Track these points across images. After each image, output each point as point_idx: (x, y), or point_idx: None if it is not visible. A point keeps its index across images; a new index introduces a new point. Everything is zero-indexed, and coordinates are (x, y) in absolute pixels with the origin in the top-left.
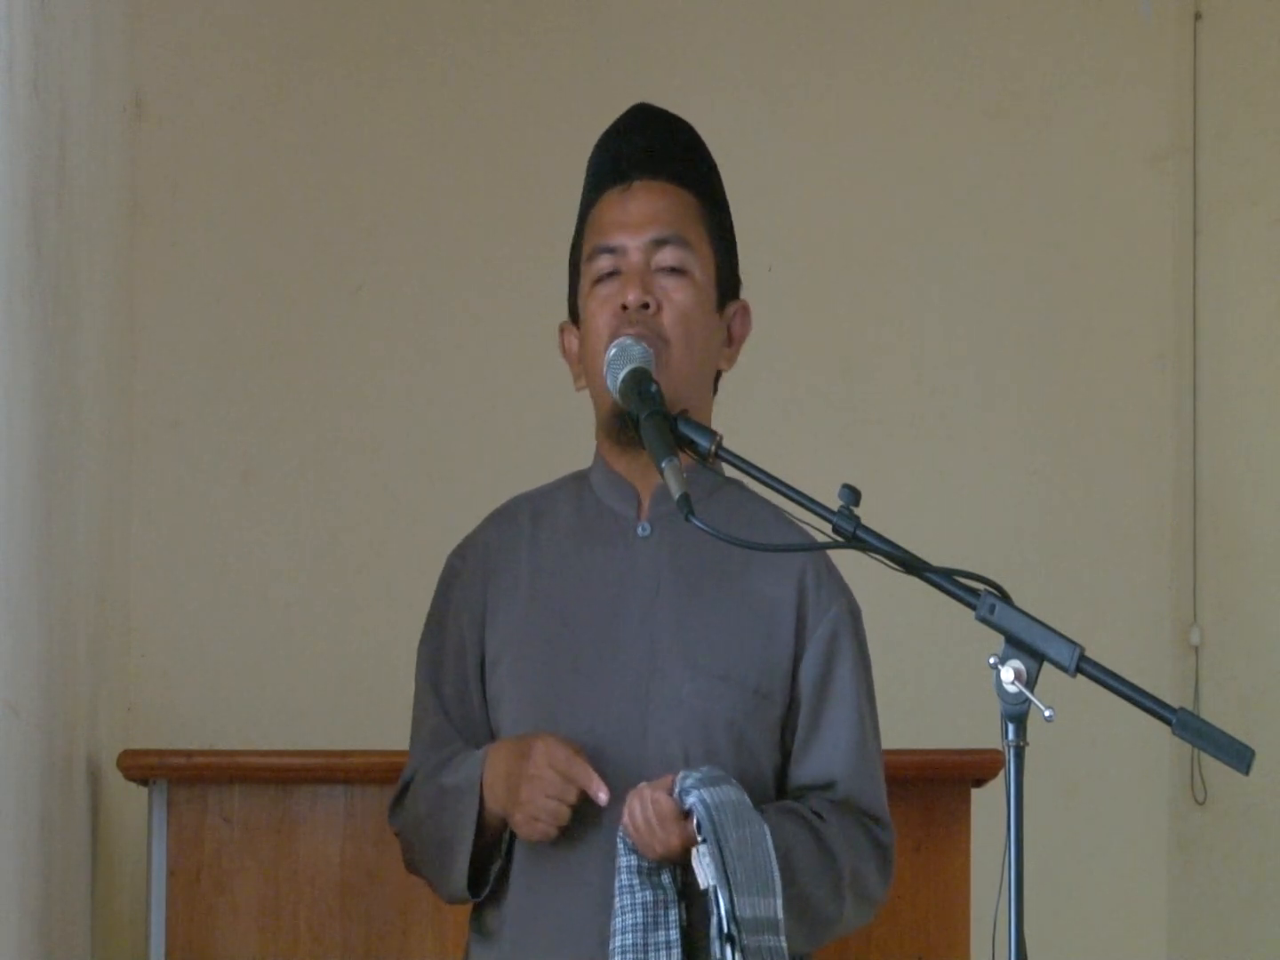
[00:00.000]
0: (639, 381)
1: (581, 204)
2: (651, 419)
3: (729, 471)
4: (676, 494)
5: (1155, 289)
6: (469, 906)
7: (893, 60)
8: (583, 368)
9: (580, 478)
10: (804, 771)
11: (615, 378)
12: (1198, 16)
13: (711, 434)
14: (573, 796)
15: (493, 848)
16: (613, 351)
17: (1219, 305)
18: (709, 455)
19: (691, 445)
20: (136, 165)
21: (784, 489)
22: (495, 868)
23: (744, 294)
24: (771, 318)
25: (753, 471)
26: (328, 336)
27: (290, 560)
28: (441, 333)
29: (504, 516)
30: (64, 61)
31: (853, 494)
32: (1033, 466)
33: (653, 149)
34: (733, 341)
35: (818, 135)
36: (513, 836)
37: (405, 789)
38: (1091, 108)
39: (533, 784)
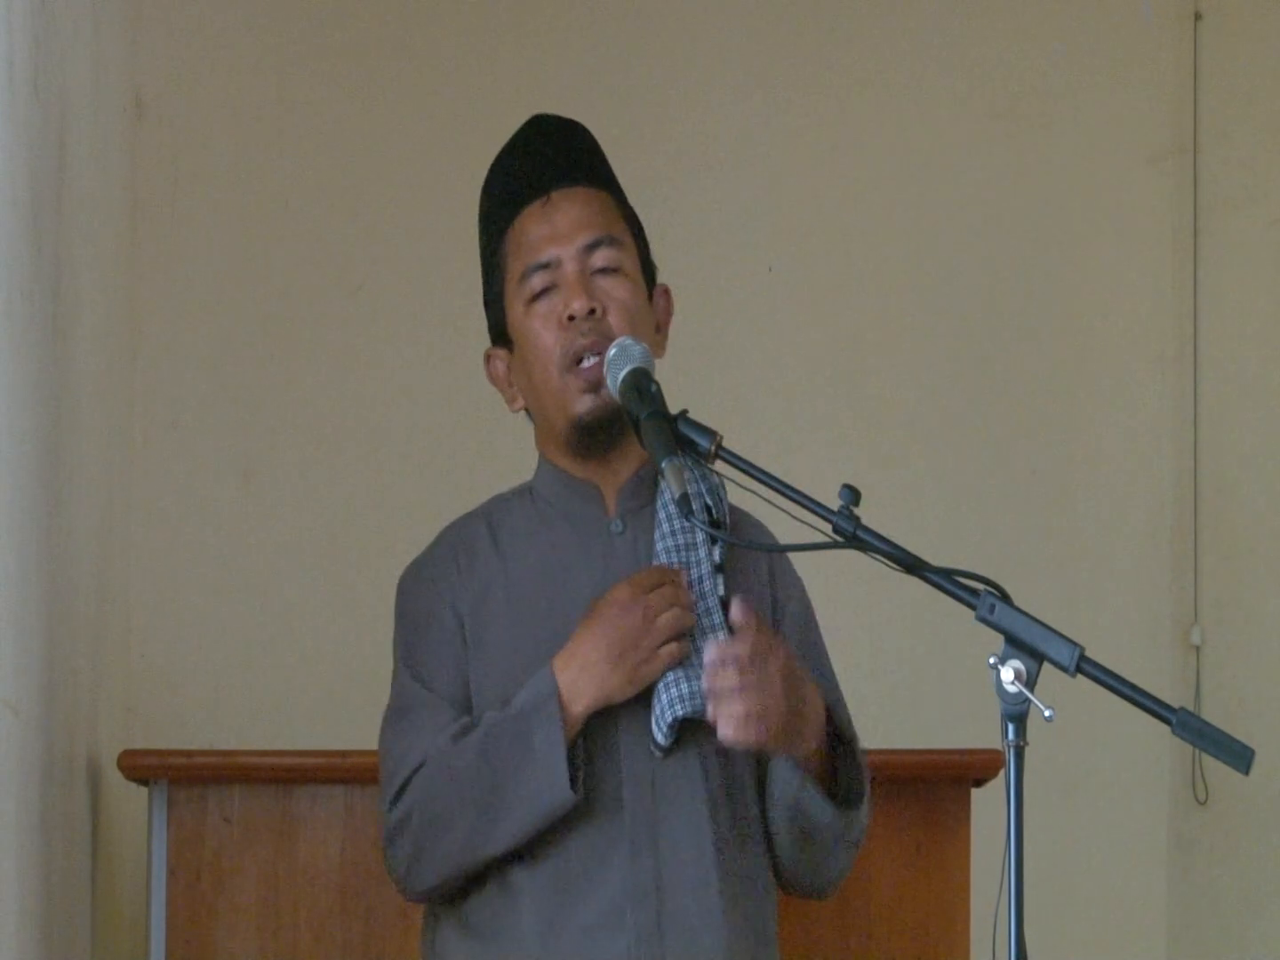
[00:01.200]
0: (639, 381)
1: (491, 225)
2: (652, 419)
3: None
4: (677, 494)
5: (1155, 289)
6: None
7: (893, 61)
8: (526, 388)
9: (522, 493)
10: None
11: (615, 377)
12: (1198, 16)
13: (711, 434)
14: (684, 594)
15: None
16: (613, 351)
17: (1219, 305)
18: (709, 455)
19: (691, 445)
20: (136, 165)
21: (784, 489)
22: (583, 774)
23: (744, 294)
24: (771, 318)
25: (752, 471)
26: (328, 336)
27: (290, 560)
28: (441, 333)
29: (458, 533)
30: (64, 61)
31: (853, 494)
32: (1033, 466)
33: (562, 156)
34: (660, 328)
35: (818, 135)
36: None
37: (410, 779)
38: (1091, 108)
39: (631, 622)
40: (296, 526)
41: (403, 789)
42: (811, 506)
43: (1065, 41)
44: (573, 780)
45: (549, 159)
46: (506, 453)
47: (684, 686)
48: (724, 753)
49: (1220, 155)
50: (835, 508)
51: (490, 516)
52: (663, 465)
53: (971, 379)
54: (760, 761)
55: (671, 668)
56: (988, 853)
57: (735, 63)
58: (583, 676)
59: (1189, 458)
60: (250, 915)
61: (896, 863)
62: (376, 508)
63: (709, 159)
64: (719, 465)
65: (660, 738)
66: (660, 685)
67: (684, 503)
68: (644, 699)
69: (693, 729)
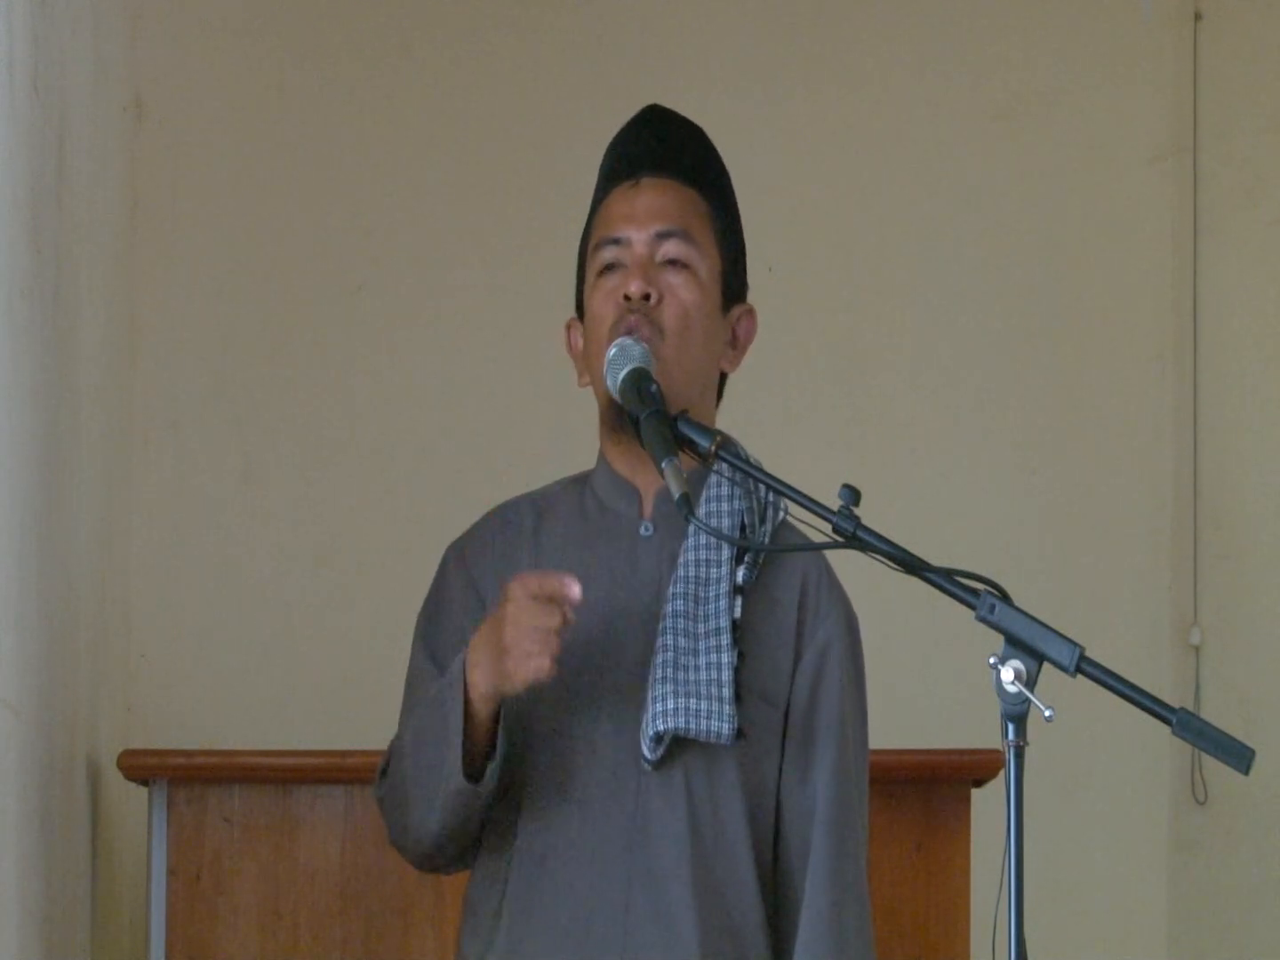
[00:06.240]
0: (639, 381)
1: (591, 203)
2: (651, 419)
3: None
4: (676, 494)
5: (1155, 289)
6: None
7: (893, 60)
8: (586, 361)
9: (581, 480)
10: (791, 807)
11: (615, 377)
12: (1198, 16)
13: (712, 434)
14: (556, 618)
15: (486, 757)
16: (613, 351)
17: (1219, 305)
18: (709, 455)
19: (691, 445)
20: (136, 165)
21: (784, 489)
22: (493, 765)
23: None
24: (772, 318)
25: (753, 471)
26: (328, 336)
27: (290, 560)
28: (441, 333)
29: (505, 514)
30: (64, 61)
31: (853, 494)
32: (1032, 466)
33: (662, 148)
34: (737, 344)
35: (818, 135)
36: (508, 751)
37: (390, 756)
38: (1091, 108)
39: (516, 620)
40: (296, 527)
41: (386, 766)
42: (811, 506)
43: (1066, 41)
44: (479, 769)
45: (650, 146)
46: (506, 454)
47: (669, 703)
48: (710, 774)
49: (1220, 155)
50: (835, 508)
51: (539, 503)
52: (662, 466)
53: (971, 379)
54: (755, 791)
55: (538, 677)
56: (988, 853)
57: (735, 62)
58: (480, 661)
59: (1189, 458)
60: (250, 915)
61: (896, 863)
62: (376, 508)
63: None
64: (719, 467)
65: (646, 751)
66: (648, 699)
67: (684, 503)
68: (637, 712)
69: (682, 747)
